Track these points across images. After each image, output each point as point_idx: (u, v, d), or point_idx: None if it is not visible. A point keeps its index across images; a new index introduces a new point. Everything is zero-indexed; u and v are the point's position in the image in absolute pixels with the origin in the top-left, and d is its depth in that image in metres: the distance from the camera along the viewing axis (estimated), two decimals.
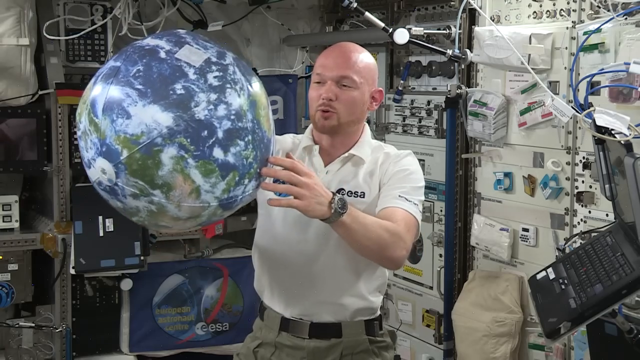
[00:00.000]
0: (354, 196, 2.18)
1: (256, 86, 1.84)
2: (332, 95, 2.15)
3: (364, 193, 2.18)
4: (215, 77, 1.75)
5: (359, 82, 2.18)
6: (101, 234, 3.19)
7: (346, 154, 2.23)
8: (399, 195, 2.12)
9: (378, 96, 2.27)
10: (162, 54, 1.76)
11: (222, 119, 1.72)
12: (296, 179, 1.87)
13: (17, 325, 3.31)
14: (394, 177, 2.17)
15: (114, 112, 1.70)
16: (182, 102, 1.69)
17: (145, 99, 1.69)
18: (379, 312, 2.28)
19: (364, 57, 2.23)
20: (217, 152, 1.71)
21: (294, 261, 2.19)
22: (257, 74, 3.90)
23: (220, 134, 1.71)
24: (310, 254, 2.18)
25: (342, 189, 2.19)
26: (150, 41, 1.82)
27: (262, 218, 2.29)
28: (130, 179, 1.70)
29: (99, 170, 1.73)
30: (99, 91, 1.75)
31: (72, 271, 3.21)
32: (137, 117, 1.68)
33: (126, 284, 3.41)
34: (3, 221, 3.30)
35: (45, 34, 3.28)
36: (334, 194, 1.93)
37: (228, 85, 1.75)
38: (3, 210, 3.30)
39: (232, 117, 1.73)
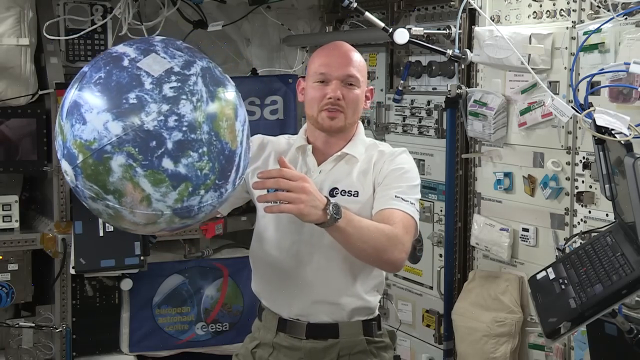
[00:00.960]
0: (348, 195, 2.17)
1: (221, 97, 1.82)
2: (340, 95, 2.15)
3: (357, 192, 2.18)
4: (171, 87, 1.75)
5: (361, 81, 2.20)
6: (101, 234, 3.19)
7: (339, 153, 2.23)
8: (395, 196, 2.12)
9: (370, 95, 2.29)
10: (126, 62, 1.79)
11: (172, 130, 1.72)
12: (287, 185, 1.88)
13: (17, 325, 3.31)
14: (389, 177, 2.17)
15: (74, 116, 1.76)
16: (133, 112, 1.72)
17: (100, 106, 1.73)
18: (377, 312, 2.28)
19: (360, 56, 2.25)
20: (167, 163, 1.72)
21: (289, 262, 2.20)
22: (257, 74, 3.96)
23: (170, 145, 1.71)
24: (304, 255, 2.18)
25: (336, 188, 2.19)
26: (120, 48, 1.85)
27: (258, 220, 2.30)
28: (87, 182, 1.76)
29: (64, 171, 1.81)
30: (67, 95, 1.82)
31: (72, 271, 3.21)
32: (91, 124, 1.73)
33: (126, 284, 3.41)
34: (3, 221, 3.30)
35: (45, 34, 3.28)
36: (328, 198, 1.93)
37: (183, 97, 1.75)
38: (3, 210, 3.30)
39: (184, 128, 1.73)
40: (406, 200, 2.12)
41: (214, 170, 1.78)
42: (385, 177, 2.17)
